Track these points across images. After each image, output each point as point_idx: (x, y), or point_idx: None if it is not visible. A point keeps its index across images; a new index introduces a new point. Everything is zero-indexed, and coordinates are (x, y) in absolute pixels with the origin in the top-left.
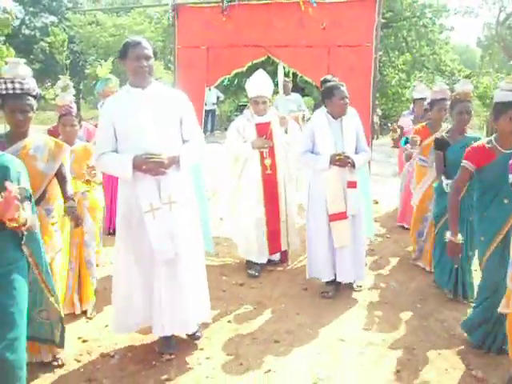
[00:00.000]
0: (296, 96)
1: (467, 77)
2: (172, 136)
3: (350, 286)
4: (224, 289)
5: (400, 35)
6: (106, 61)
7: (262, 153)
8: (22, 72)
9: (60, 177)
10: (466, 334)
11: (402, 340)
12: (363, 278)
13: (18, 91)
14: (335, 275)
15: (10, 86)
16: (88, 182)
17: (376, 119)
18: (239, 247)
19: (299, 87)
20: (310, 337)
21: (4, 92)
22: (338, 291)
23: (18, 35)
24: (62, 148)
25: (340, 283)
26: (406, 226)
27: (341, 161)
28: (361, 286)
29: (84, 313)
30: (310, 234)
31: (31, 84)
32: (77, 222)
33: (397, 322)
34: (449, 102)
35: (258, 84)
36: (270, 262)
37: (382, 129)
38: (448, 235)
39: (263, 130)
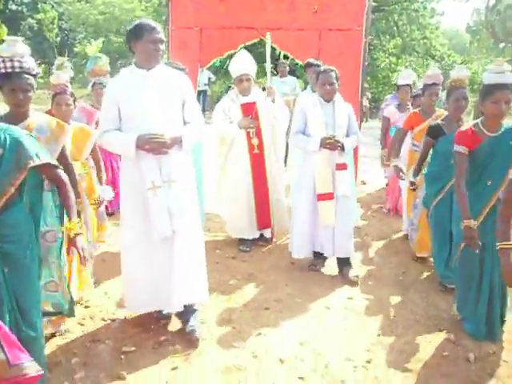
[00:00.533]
0: (291, 79)
1: (462, 63)
2: (174, 117)
3: (346, 262)
4: (217, 261)
5: (391, 19)
6: (95, 39)
7: (248, 133)
8: (20, 50)
9: (64, 161)
10: (441, 303)
11: (383, 308)
12: (351, 253)
13: (17, 70)
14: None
15: (8, 64)
16: (84, 164)
17: (365, 102)
18: (228, 226)
19: (291, 69)
20: (297, 305)
21: (3, 71)
22: (323, 266)
23: (5, 11)
24: (65, 129)
25: (326, 258)
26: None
27: (331, 144)
28: (357, 276)
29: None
30: (296, 212)
31: (30, 63)
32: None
33: (379, 293)
34: (440, 88)
35: (241, 63)
36: (261, 237)
37: (371, 112)
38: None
39: (248, 110)
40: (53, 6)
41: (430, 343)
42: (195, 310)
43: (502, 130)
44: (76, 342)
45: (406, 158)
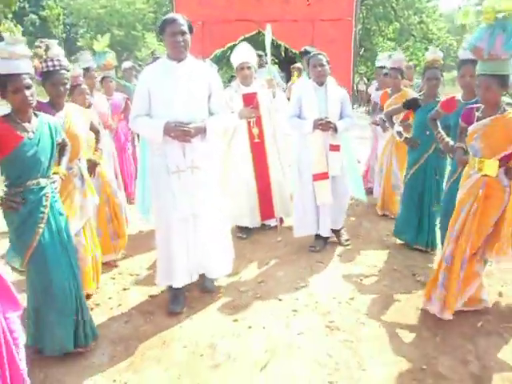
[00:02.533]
0: (271, 68)
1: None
2: (200, 108)
3: (337, 232)
4: None
5: (388, 4)
6: (97, 33)
7: (249, 122)
8: (57, 51)
9: (93, 128)
10: (416, 256)
11: (367, 260)
12: (340, 225)
13: (57, 68)
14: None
15: (50, 63)
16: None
17: (363, 87)
18: (229, 213)
19: (290, 57)
20: (293, 261)
21: (51, 69)
22: (324, 246)
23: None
24: (88, 114)
25: (327, 239)
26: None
27: (323, 125)
28: (348, 240)
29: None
30: (296, 193)
31: (65, 61)
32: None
33: (365, 249)
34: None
35: (242, 52)
36: (264, 226)
37: (368, 96)
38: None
39: (250, 100)
40: (55, 1)
41: (402, 284)
42: (212, 290)
43: (476, 99)
44: (110, 291)
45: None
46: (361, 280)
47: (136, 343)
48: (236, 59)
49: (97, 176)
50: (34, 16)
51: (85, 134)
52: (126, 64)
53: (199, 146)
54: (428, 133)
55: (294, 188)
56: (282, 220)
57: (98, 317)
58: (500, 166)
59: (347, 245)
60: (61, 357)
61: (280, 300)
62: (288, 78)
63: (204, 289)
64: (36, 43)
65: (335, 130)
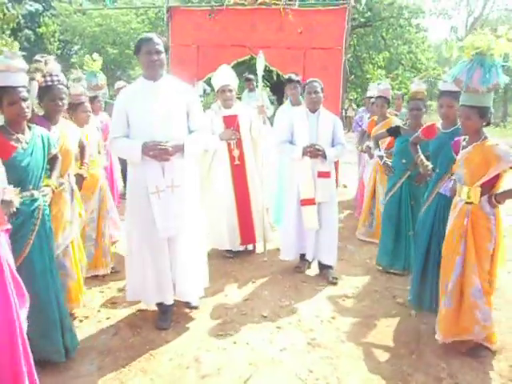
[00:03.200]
0: (261, 93)
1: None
2: (178, 126)
3: (326, 274)
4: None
5: (378, 34)
6: (91, 51)
7: (229, 144)
8: (55, 67)
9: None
10: (398, 280)
11: (349, 282)
12: (334, 263)
13: (55, 83)
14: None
15: (49, 78)
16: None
17: (352, 113)
18: (210, 237)
19: (282, 82)
20: (279, 280)
21: (50, 83)
22: (309, 268)
23: None
24: (79, 130)
25: (311, 261)
26: None
27: (311, 152)
28: (336, 279)
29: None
30: (284, 216)
31: (63, 77)
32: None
33: (348, 271)
34: (420, 102)
35: (224, 75)
36: (245, 249)
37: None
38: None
39: (230, 122)
40: (50, 18)
41: (382, 305)
42: (195, 307)
43: (453, 128)
44: (98, 304)
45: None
46: (343, 300)
47: (123, 355)
48: (217, 82)
49: (98, 190)
50: (29, 32)
51: (75, 150)
52: (119, 84)
53: (178, 165)
54: (404, 161)
55: (275, 212)
56: (254, 248)
57: (86, 329)
58: (483, 194)
59: (334, 283)
60: (49, 366)
61: (264, 317)
62: (280, 102)
63: (188, 305)
64: (36, 58)
65: (324, 156)
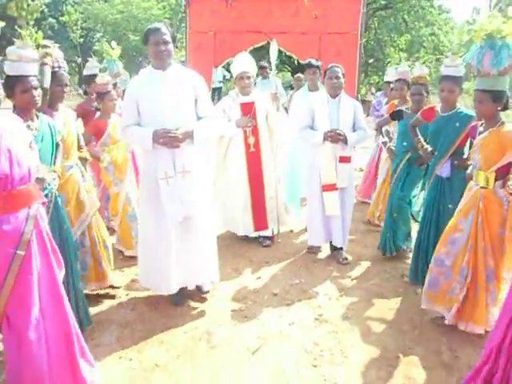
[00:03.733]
0: (275, 80)
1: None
2: (187, 113)
3: (336, 256)
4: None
5: (399, 16)
6: (113, 38)
7: (245, 131)
8: (59, 54)
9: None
10: (406, 260)
11: (359, 262)
12: (345, 245)
13: (61, 69)
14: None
15: (56, 65)
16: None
17: (371, 98)
18: (224, 221)
19: (303, 66)
20: (291, 261)
21: (56, 69)
22: (320, 251)
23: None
24: (74, 116)
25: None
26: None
27: (332, 137)
28: (346, 259)
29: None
30: (308, 202)
31: (65, 64)
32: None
33: (358, 252)
34: (422, 87)
35: (242, 62)
36: (258, 237)
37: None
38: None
39: (247, 109)
40: (72, 6)
41: (390, 284)
42: (207, 292)
43: (451, 112)
44: (119, 282)
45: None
46: (351, 279)
47: (140, 327)
48: (236, 69)
49: (129, 172)
50: (52, 20)
51: (76, 134)
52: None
53: (189, 151)
54: (405, 144)
55: (289, 195)
56: (273, 237)
57: (107, 303)
58: (497, 179)
59: (345, 263)
60: None
61: (275, 295)
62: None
63: (200, 290)
64: (43, 44)
65: (345, 141)
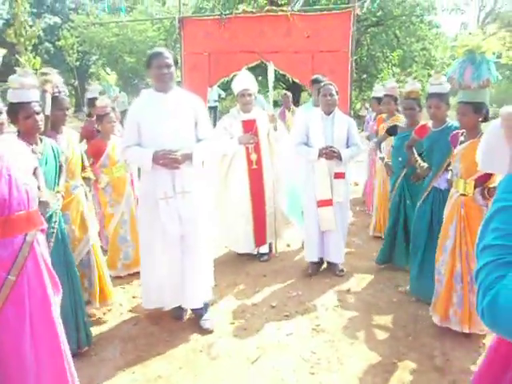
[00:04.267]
0: (259, 98)
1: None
2: (187, 136)
3: (333, 268)
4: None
5: (391, 32)
6: (109, 61)
7: (247, 148)
8: (59, 79)
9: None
10: (399, 269)
11: (355, 274)
12: (342, 260)
13: (62, 94)
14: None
15: (56, 90)
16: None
17: (365, 113)
18: (225, 240)
19: (297, 84)
20: (288, 274)
21: (57, 94)
22: (318, 270)
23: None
24: (78, 136)
25: (321, 264)
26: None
27: (327, 154)
28: (342, 271)
29: None
30: (305, 219)
31: (66, 89)
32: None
33: (354, 263)
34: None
35: (243, 80)
36: (258, 254)
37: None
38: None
39: (249, 127)
40: (68, 30)
41: (384, 294)
42: (207, 305)
43: (442, 127)
44: (120, 298)
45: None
46: (347, 291)
47: (143, 341)
48: (237, 86)
49: (127, 193)
50: (48, 45)
51: (80, 154)
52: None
53: (188, 172)
54: (400, 159)
55: (290, 208)
56: (270, 251)
57: (110, 319)
58: (476, 186)
59: (341, 275)
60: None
61: (273, 307)
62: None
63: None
64: (41, 71)
65: (340, 158)
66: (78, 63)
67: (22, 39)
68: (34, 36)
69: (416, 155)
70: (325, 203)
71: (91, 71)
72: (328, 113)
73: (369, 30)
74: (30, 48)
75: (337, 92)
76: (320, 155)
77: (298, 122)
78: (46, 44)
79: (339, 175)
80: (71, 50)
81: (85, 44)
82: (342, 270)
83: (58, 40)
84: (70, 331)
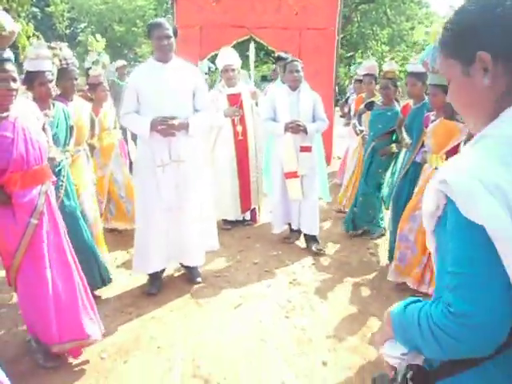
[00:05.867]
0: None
1: None
2: (185, 105)
3: (313, 239)
4: None
5: (381, 10)
6: (98, 29)
7: (233, 120)
8: (68, 52)
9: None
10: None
11: (330, 238)
12: (317, 232)
13: (71, 65)
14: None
15: (64, 62)
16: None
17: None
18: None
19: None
20: (270, 236)
21: (66, 66)
22: (297, 239)
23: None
24: (89, 107)
25: (301, 232)
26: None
27: (293, 128)
28: (321, 250)
29: None
30: (271, 190)
31: (75, 60)
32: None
33: (330, 234)
34: (389, 81)
35: (227, 56)
36: (243, 220)
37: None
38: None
39: (234, 100)
40: None
41: (357, 254)
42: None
43: (420, 104)
44: (115, 253)
45: None
46: (323, 251)
47: (138, 289)
48: (221, 62)
49: (114, 156)
50: (35, 9)
51: (88, 124)
52: (119, 63)
53: (184, 141)
54: (372, 133)
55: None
56: (255, 214)
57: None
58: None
59: (318, 252)
60: None
61: (255, 263)
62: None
63: (192, 279)
64: (51, 45)
65: (305, 132)
66: (67, 31)
67: (15, 5)
68: (27, 2)
69: (404, 134)
70: (291, 175)
71: (79, 39)
72: (294, 89)
73: (359, 7)
74: (22, 15)
75: (302, 68)
76: (286, 129)
77: (265, 99)
78: (33, 9)
79: (305, 149)
80: (61, 17)
81: (73, 11)
82: (321, 249)
83: (47, 6)
84: (93, 269)
